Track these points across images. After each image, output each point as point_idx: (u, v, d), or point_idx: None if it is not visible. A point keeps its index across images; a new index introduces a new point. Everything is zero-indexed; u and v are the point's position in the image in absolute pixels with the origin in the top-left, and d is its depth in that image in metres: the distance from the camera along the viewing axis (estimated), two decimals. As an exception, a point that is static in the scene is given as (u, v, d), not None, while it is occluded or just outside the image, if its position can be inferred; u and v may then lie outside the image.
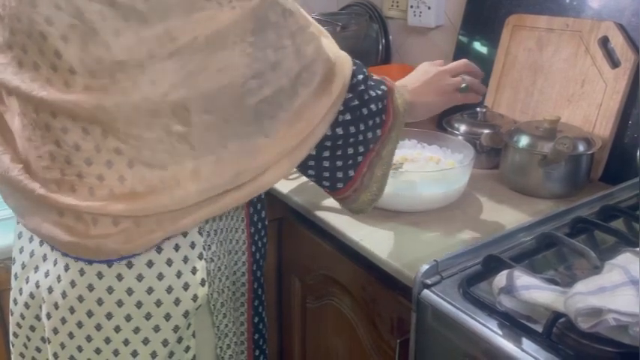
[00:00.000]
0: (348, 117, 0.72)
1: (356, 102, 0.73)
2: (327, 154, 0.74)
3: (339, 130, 0.72)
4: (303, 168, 0.75)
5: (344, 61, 0.72)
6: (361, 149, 0.75)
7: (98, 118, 0.60)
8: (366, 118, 0.74)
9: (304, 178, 1.08)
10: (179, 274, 0.68)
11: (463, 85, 0.90)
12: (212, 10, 0.59)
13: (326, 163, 0.75)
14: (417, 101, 0.83)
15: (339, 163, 0.75)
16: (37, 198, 0.64)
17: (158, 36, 0.58)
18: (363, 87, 0.73)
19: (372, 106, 0.75)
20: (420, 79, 0.88)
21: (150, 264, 0.67)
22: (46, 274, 0.69)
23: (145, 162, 0.62)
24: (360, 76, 0.74)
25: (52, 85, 0.60)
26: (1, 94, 0.66)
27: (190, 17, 0.59)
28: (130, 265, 0.66)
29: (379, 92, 0.76)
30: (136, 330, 0.68)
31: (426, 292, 0.71)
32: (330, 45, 0.72)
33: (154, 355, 0.69)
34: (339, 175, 0.76)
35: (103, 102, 0.59)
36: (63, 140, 0.62)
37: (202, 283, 0.70)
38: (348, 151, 0.75)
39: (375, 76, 0.78)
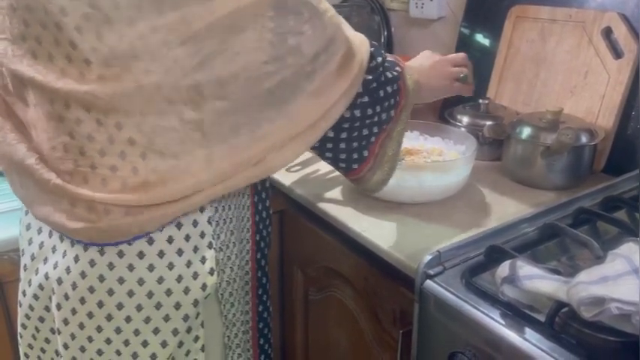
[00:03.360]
0: (366, 99, 0.74)
1: (374, 84, 0.74)
2: (344, 135, 0.75)
3: (357, 112, 0.74)
4: (320, 150, 0.77)
5: (362, 43, 0.73)
6: (375, 130, 0.77)
7: (114, 107, 0.60)
8: (383, 100, 0.76)
9: (306, 171, 1.08)
10: (189, 264, 0.69)
11: (462, 74, 0.92)
12: None
13: (343, 145, 0.76)
14: (424, 83, 0.84)
15: (355, 144, 0.77)
16: (52, 188, 0.64)
17: (173, 23, 0.58)
18: (381, 69, 0.75)
19: (388, 88, 0.76)
20: (424, 63, 0.89)
21: (161, 254, 0.67)
22: (55, 266, 0.69)
23: (158, 151, 0.62)
24: (379, 59, 0.75)
25: (68, 76, 0.60)
26: (16, 86, 0.66)
27: (206, 3, 0.59)
28: (141, 256, 0.67)
29: (395, 74, 0.77)
30: (147, 320, 0.68)
31: (428, 282, 0.71)
32: (347, 28, 0.73)
33: (164, 344, 0.69)
34: (355, 155, 0.78)
35: (118, 91, 0.59)
36: (76, 131, 0.62)
37: (211, 272, 0.70)
38: (363, 132, 0.76)
39: (389, 57, 0.79)
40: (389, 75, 0.76)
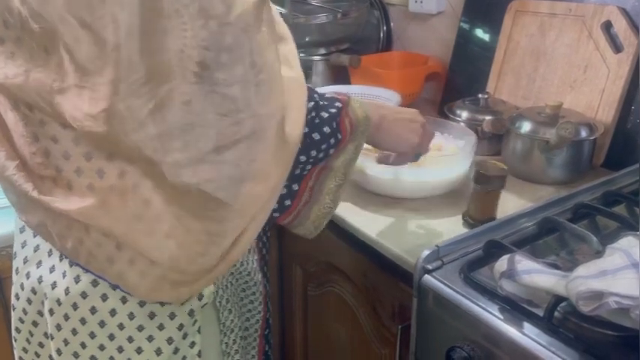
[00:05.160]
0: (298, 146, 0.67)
1: (306, 129, 0.67)
2: None
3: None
4: None
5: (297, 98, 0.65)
6: (308, 167, 0.71)
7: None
8: (318, 144, 0.69)
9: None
10: None
11: (420, 153, 0.83)
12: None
13: None
14: (383, 125, 0.76)
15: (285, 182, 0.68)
16: (31, 199, 0.62)
17: None
18: (313, 113, 0.68)
19: (325, 129, 0.69)
20: (398, 113, 0.80)
21: None
22: (51, 270, 0.68)
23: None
24: (311, 103, 0.68)
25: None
26: None
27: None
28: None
29: (333, 111, 0.70)
30: (140, 328, 0.67)
31: (427, 277, 0.71)
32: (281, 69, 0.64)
33: (158, 352, 0.68)
34: (284, 191, 0.70)
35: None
36: (60, 135, 0.59)
37: None
38: (295, 172, 0.70)
39: (327, 94, 0.73)
40: (324, 115, 0.69)
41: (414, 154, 0.81)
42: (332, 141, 0.70)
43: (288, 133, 0.63)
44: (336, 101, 0.71)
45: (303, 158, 0.68)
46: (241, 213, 0.61)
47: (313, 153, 0.69)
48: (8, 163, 0.63)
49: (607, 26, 1.04)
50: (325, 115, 0.69)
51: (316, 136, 0.69)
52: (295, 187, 0.72)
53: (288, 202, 0.72)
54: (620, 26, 1.02)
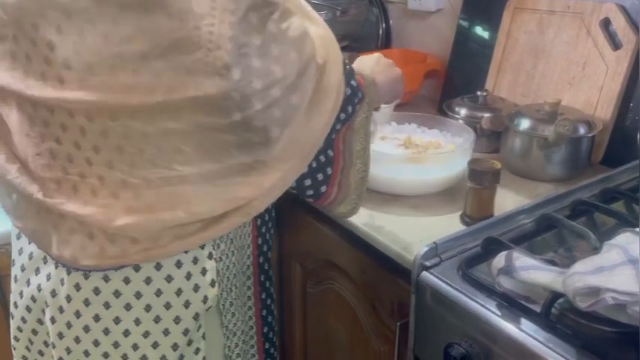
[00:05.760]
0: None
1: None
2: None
3: None
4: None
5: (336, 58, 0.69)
6: (338, 127, 0.72)
7: (98, 114, 0.57)
8: (352, 98, 0.72)
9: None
10: (189, 276, 0.67)
11: None
12: None
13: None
14: (381, 82, 0.79)
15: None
16: (36, 202, 0.61)
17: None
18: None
19: (353, 82, 0.72)
20: (374, 65, 0.82)
21: (158, 266, 0.65)
22: (48, 277, 0.67)
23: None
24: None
25: (47, 80, 0.57)
26: None
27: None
28: (137, 269, 0.65)
29: (349, 67, 0.73)
30: (146, 334, 0.66)
31: (425, 274, 0.71)
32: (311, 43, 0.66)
33: (163, 359, 0.68)
34: (320, 177, 0.73)
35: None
36: (63, 137, 0.59)
37: (212, 284, 0.69)
38: (330, 136, 0.72)
39: None
40: (348, 69, 0.72)
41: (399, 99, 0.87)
42: (360, 94, 0.73)
43: (330, 83, 0.66)
44: (345, 59, 0.73)
45: (342, 116, 0.70)
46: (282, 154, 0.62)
47: (349, 109, 0.71)
48: (9, 165, 0.62)
49: (606, 23, 1.04)
50: (348, 69, 0.72)
51: (348, 90, 0.71)
52: (330, 152, 0.73)
53: (329, 170, 0.73)
54: (619, 23, 1.02)
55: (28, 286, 0.70)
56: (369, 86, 0.75)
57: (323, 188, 0.74)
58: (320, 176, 0.73)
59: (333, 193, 0.76)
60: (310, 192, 0.74)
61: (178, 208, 0.60)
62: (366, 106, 0.75)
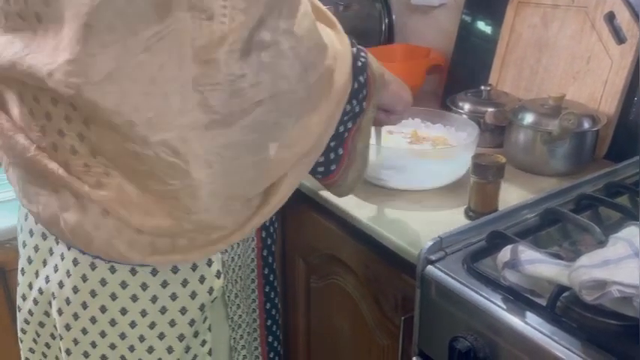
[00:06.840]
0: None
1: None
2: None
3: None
4: None
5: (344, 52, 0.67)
6: (349, 125, 0.72)
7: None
8: (357, 92, 0.70)
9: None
10: (194, 267, 0.67)
11: None
12: None
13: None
14: (390, 81, 0.77)
15: (332, 144, 0.71)
16: (58, 178, 0.59)
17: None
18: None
19: (361, 78, 0.70)
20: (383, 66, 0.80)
21: None
22: (55, 269, 0.67)
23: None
24: (354, 49, 0.69)
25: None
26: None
27: None
28: None
29: (363, 60, 0.70)
30: (152, 325, 0.66)
31: (430, 268, 0.71)
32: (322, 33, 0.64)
33: (170, 350, 0.68)
34: (332, 155, 0.72)
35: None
36: (67, 128, 0.57)
37: (218, 275, 0.69)
38: (339, 129, 0.71)
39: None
40: (359, 63, 0.69)
41: (405, 114, 0.84)
42: (365, 92, 0.71)
43: (337, 76, 0.64)
44: (362, 52, 0.71)
45: (348, 107, 0.69)
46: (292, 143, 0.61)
47: (354, 102, 0.70)
48: (28, 143, 0.60)
49: (610, 17, 1.03)
50: (359, 63, 0.70)
51: (356, 84, 0.69)
52: (340, 151, 0.73)
53: (333, 167, 0.73)
54: (624, 17, 1.01)
55: (37, 277, 0.70)
56: (377, 85, 0.74)
57: (322, 175, 0.75)
58: (322, 169, 0.73)
59: (329, 181, 0.76)
60: (317, 169, 0.74)
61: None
62: (372, 105, 0.74)
